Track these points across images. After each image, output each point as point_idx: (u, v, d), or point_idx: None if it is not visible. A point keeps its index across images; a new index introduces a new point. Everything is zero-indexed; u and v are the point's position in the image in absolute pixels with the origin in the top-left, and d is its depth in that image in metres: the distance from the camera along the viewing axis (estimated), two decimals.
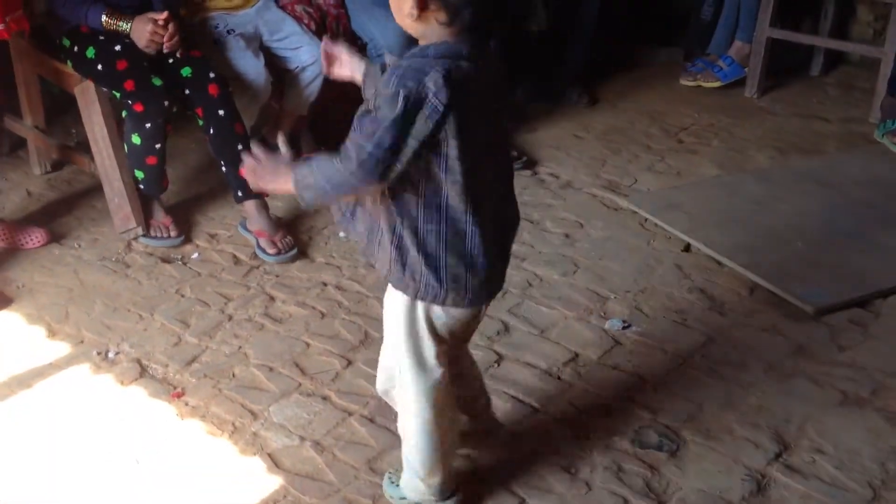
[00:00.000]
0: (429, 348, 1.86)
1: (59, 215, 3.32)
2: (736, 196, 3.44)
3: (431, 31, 1.66)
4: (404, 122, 1.58)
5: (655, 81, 4.64)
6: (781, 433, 2.30)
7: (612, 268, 3.02)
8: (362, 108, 1.74)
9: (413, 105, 1.58)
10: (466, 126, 1.63)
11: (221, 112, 3.09)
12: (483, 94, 1.69)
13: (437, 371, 1.88)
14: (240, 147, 3.08)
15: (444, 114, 1.59)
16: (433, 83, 1.58)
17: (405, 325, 1.85)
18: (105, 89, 3.10)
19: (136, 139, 3.04)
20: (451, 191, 1.69)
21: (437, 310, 1.82)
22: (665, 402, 2.41)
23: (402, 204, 1.72)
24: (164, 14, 2.98)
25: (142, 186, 3.16)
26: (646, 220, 3.29)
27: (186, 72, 3.09)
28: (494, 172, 1.80)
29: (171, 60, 3.03)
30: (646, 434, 2.29)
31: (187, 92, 3.10)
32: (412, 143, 1.60)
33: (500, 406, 2.33)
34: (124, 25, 3.00)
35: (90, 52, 3.04)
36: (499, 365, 2.54)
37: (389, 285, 1.86)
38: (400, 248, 1.75)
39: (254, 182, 1.80)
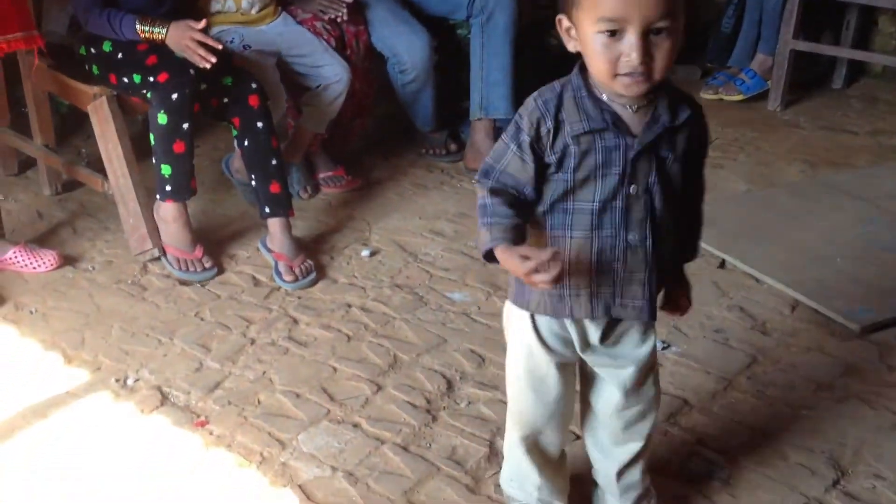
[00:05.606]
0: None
1: (71, 237, 3.22)
2: (769, 211, 3.34)
3: None
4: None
5: None
6: (837, 458, 2.18)
7: None
8: None
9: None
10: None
11: (260, 124, 3.01)
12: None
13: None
14: (273, 162, 3.00)
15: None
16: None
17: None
18: (126, 80, 3.00)
19: (161, 119, 2.87)
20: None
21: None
22: (712, 426, 2.30)
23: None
24: (203, 22, 2.91)
25: (169, 188, 2.97)
26: None
27: (227, 81, 3.02)
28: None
29: (208, 66, 2.88)
30: (695, 461, 2.18)
31: (225, 101, 3.02)
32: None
33: None
34: (160, 31, 2.92)
35: (107, 46, 3.00)
36: None
37: None
38: None
39: None
